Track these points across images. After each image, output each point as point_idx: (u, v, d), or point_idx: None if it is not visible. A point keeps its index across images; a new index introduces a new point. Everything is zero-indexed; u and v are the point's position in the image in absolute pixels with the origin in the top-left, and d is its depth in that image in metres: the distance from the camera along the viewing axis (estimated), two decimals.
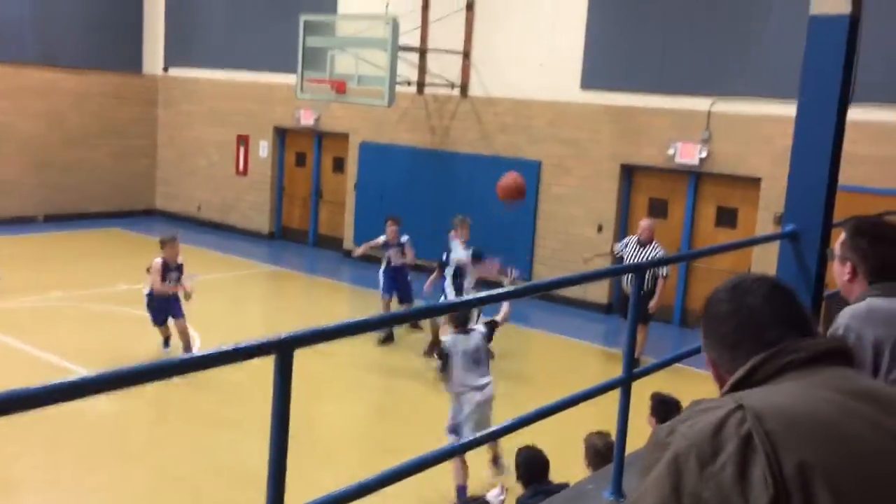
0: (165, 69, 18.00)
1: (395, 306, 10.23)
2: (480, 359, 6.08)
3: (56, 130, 16.62)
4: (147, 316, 9.11)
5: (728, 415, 1.33)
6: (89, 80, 16.94)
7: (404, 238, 10.45)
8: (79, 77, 16.77)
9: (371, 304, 10.68)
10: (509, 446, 5.51)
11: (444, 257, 9.57)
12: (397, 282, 10.37)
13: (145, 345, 9.06)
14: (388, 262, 10.42)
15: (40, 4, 16.10)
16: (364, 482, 2.21)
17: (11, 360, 8.73)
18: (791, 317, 1.55)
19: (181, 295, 8.93)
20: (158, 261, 8.86)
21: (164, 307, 8.94)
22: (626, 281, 9.32)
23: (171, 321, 8.99)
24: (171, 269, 8.94)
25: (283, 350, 1.93)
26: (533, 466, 4.85)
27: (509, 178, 8.48)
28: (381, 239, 10.51)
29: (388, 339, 10.03)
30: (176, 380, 7.91)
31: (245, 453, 6.51)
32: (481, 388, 6.08)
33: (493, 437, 2.67)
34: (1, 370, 8.12)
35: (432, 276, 9.90)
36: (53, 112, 16.54)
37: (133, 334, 9.59)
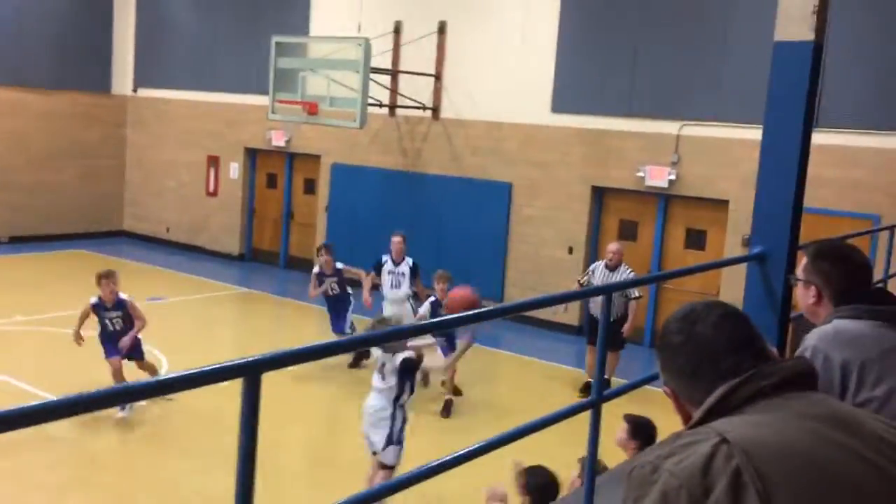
0: (135, 90, 17.88)
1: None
2: (383, 374, 6.02)
3: (21, 151, 16.41)
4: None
5: (714, 450, 1.33)
6: (57, 101, 16.77)
7: (339, 265, 9.92)
8: (46, 97, 16.60)
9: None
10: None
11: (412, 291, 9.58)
12: (340, 313, 9.91)
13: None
14: (327, 294, 9.89)
15: (8, 24, 15.93)
16: None
17: None
18: (743, 342, 1.56)
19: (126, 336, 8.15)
20: (92, 301, 8.16)
21: (115, 344, 8.23)
22: (595, 306, 9.29)
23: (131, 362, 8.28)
24: (106, 309, 8.15)
25: (250, 373, 1.90)
26: (546, 491, 4.58)
27: (457, 301, 6.57)
28: (315, 269, 10.01)
29: (358, 362, 9.86)
30: (143, 404, 7.75)
31: (212, 480, 6.41)
32: (373, 390, 6.08)
33: (461, 461, 2.60)
34: None
35: (367, 287, 9.72)
36: (19, 132, 16.34)
37: (98, 359, 9.42)
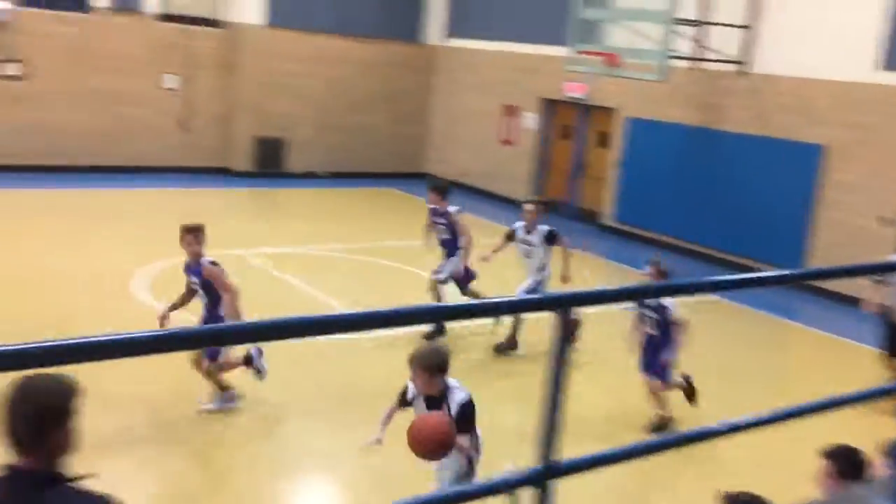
0: (443, 40, 18.82)
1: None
2: None
3: (343, 95, 18.06)
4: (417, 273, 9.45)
5: None
6: (375, 49, 18.18)
7: (452, 208, 8.83)
8: (366, 46, 18.05)
9: (628, 279, 10.56)
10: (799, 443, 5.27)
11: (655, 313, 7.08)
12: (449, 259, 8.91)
13: (409, 298, 9.62)
14: (439, 237, 9.01)
15: None
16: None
17: (294, 297, 9.74)
18: None
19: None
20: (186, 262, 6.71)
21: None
22: None
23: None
24: (190, 271, 6.65)
25: (562, 307, 2.01)
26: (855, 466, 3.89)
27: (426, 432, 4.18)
28: (430, 205, 9.03)
29: (437, 333, 8.74)
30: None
31: (503, 412, 6.75)
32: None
33: (739, 428, 2.46)
34: (284, 304, 9.10)
35: (468, 252, 8.81)
36: (342, 78, 17.97)
37: (398, 288, 10.26)
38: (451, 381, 4.56)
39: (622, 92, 14.46)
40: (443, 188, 9.05)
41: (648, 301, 6.85)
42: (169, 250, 11.10)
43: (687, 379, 7.23)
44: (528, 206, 8.81)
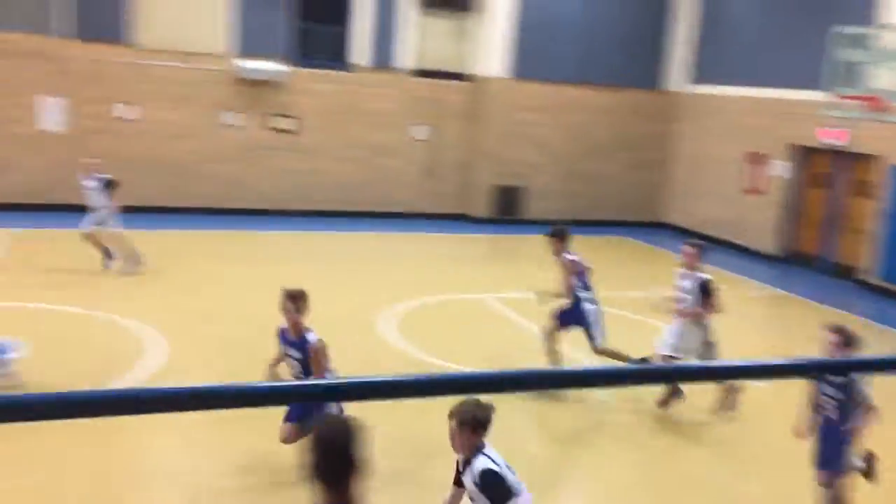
0: (685, 86, 18.45)
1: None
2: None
3: (582, 142, 18.24)
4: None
5: None
6: (614, 97, 18.23)
7: (569, 256, 8.30)
8: (605, 94, 18.16)
9: (890, 343, 9.64)
10: None
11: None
12: (571, 313, 8.42)
13: (646, 352, 9.40)
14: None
15: (575, 28, 17.84)
16: None
17: (531, 343, 9.85)
18: None
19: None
20: (281, 325, 6.14)
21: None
22: None
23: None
24: (288, 342, 6.04)
25: (845, 373, 1.95)
26: None
27: None
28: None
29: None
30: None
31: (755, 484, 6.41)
32: None
33: None
34: (521, 350, 9.22)
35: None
36: (581, 125, 18.18)
37: (635, 340, 10.06)
38: (486, 445, 4.24)
39: (888, 138, 13.36)
40: (559, 233, 8.39)
41: (832, 377, 4.46)
42: (412, 291, 11.77)
43: (869, 459, 5.61)
44: (687, 248, 7.99)
